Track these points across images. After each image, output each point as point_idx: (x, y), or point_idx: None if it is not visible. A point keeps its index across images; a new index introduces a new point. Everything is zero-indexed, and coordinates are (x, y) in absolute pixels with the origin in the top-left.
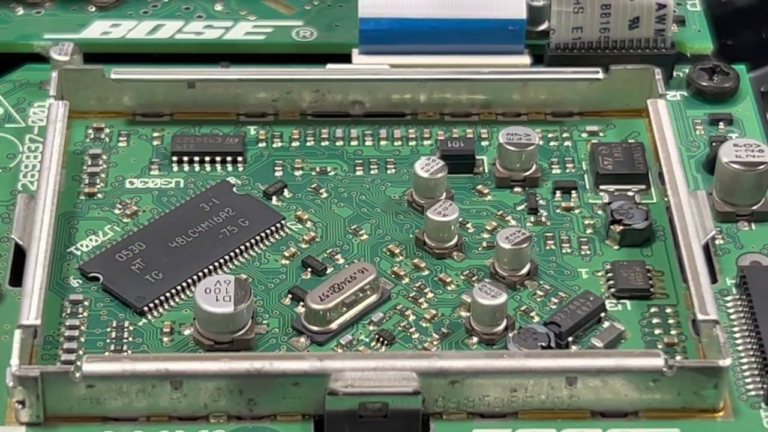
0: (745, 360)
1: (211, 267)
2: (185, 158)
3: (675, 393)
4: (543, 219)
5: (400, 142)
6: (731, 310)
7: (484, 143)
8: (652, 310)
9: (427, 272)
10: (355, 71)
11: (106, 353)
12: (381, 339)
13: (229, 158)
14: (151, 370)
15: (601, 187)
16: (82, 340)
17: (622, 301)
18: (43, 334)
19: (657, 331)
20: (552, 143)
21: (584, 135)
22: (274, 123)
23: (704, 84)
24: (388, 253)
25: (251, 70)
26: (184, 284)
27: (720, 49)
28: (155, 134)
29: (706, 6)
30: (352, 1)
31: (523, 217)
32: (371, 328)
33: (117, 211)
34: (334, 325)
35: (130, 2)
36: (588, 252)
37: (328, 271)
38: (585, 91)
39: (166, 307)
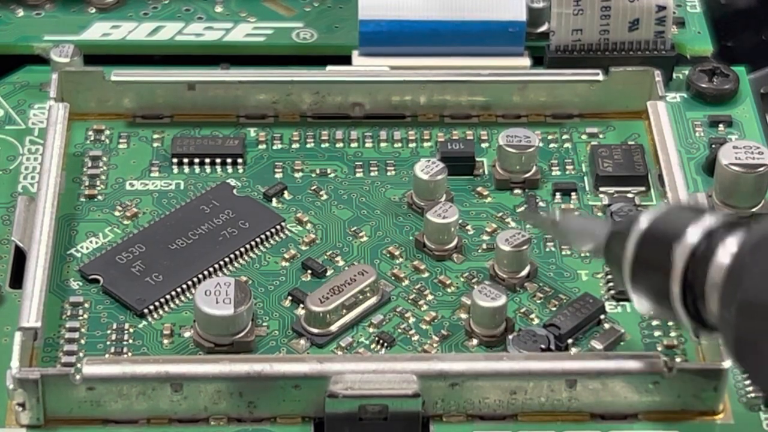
0: None
1: (211, 269)
2: (185, 160)
3: (675, 395)
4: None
5: (400, 144)
6: None
7: (484, 145)
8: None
9: (426, 274)
10: (355, 73)
11: (107, 355)
12: (381, 341)
13: (229, 160)
14: (151, 372)
15: (601, 189)
16: (83, 342)
17: (621, 303)
18: (43, 337)
19: (657, 333)
20: (552, 145)
21: (584, 137)
22: (274, 125)
23: (704, 86)
24: (388, 255)
25: (251, 72)
26: (185, 286)
27: (720, 50)
28: (155, 136)
29: (706, 8)
30: (352, 2)
31: (522, 219)
32: (371, 330)
33: (117, 213)
34: (334, 328)
35: (131, 4)
36: (588, 254)
37: (328, 273)
38: (585, 93)
39: (167, 309)
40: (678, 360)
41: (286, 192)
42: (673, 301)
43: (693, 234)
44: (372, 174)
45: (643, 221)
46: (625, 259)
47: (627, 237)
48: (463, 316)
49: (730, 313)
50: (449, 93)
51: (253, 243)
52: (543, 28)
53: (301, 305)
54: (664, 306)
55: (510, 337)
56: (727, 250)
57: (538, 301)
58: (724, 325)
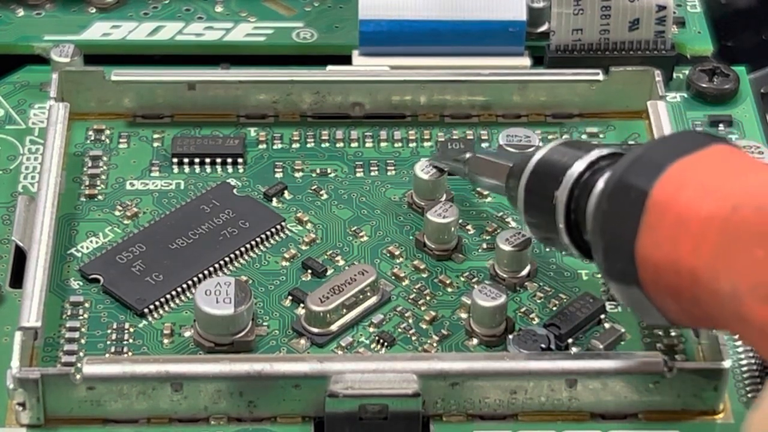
0: (744, 362)
1: (211, 269)
2: (185, 160)
3: (675, 395)
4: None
5: (400, 144)
6: None
7: (485, 144)
8: None
9: (427, 274)
10: (356, 73)
11: (107, 355)
12: (381, 341)
13: (229, 160)
14: (151, 372)
15: None
16: (83, 341)
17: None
18: (43, 336)
19: (657, 333)
20: None
21: (584, 136)
22: (274, 124)
23: (704, 85)
24: (388, 255)
25: (251, 72)
26: (185, 286)
27: (720, 50)
28: (155, 136)
29: (706, 7)
30: (353, 2)
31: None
32: (371, 329)
33: (117, 213)
34: (334, 327)
35: (131, 4)
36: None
37: (329, 272)
38: (585, 93)
39: (167, 308)
40: (678, 360)
41: (286, 192)
42: (559, 231)
43: (579, 165)
44: (372, 174)
45: (537, 155)
46: (519, 189)
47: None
48: (464, 315)
49: (599, 257)
50: (449, 93)
51: (253, 243)
52: (543, 28)
53: (302, 305)
54: (554, 236)
55: (510, 336)
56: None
57: (539, 301)
58: (597, 263)
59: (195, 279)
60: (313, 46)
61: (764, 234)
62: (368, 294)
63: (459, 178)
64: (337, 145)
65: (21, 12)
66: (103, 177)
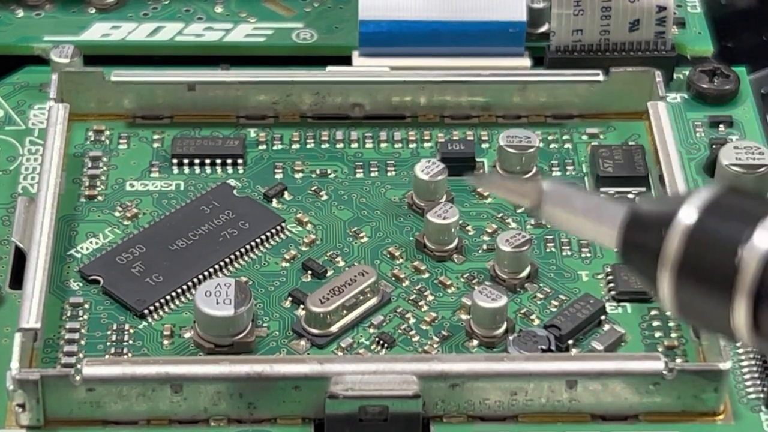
0: (745, 363)
1: (211, 270)
2: (185, 161)
3: (675, 396)
4: (543, 222)
5: (400, 145)
6: None
7: (485, 145)
8: (653, 312)
9: (427, 275)
10: (356, 73)
11: (107, 356)
12: (381, 342)
13: (229, 161)
14: (151, 373)
15: (602, 189)
16: (83, 343)
17: (622, 303)
18: (43, 338)
19: (657, 334)
20: (552, 146)
21: (584, 137)
22: (274, 125)
23: (704, 86)
24: (388, 256)
25: (251, 73)
26: (185, 287)
27: (720, 51)
28: (155, 137)
29: (707, 8)
30: (353, 3)
31: (523, 220)
32: (371, 331)
33: (117, 214)
34: (334, 328)
35: (130, 4)
36: (588, 255)
37: (329, 273)
38: (585, 94)
39: (167, 310)
40: (678, 361)
41: (286, 192)
42: (733, 316)
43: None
44: (372, 174)
45: (690, 213)
46: (665, 259)
47: (665, 229)
48: (464, 316)
49: None
50: (449, 93)
51: (253, 243)
52: (543, 29)
53: (302, 306)
54: (714, 318)
55: (510, 337)
56: None
57: (539, 302)
58: None
59: (195, 280)
60: (312, 46)
61: None
62: (368, 295)
63: (460, 179)
64: (337, 146)
65: (21, 12)
66: (103, 178)
